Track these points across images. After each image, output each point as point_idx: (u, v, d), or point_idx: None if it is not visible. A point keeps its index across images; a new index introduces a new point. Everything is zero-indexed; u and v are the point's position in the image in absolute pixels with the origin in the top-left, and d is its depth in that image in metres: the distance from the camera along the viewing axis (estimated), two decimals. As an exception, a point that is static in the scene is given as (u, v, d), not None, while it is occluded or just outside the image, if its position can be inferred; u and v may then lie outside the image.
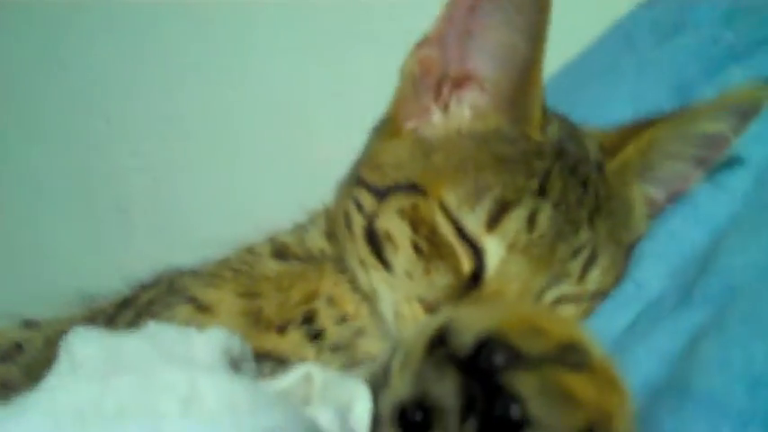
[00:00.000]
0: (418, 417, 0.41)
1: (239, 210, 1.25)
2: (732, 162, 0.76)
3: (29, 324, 0.77)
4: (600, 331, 0.66)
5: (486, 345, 0.40)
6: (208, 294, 0.71)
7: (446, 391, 0.40)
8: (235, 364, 0.55)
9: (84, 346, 0.43)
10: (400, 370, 0.44)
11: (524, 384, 0.38)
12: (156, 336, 0.52)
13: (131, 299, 0.76)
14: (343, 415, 0.48)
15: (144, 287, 0.78)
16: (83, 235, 1.35)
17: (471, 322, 0.42)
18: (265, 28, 1.29)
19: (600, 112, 0.89)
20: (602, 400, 0.40)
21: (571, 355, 0.41)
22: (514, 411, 0.38)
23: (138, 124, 1.34)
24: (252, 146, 1.31)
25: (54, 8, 1.30)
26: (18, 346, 0.77)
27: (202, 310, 0.69)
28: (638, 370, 0.56)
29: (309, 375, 0.50)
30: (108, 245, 1.34)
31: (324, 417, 0.46)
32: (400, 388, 0.43)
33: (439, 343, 0.42)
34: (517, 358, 0.39)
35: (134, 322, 0.69)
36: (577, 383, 0.39)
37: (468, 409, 0.39)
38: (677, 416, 0.49)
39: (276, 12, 1.28)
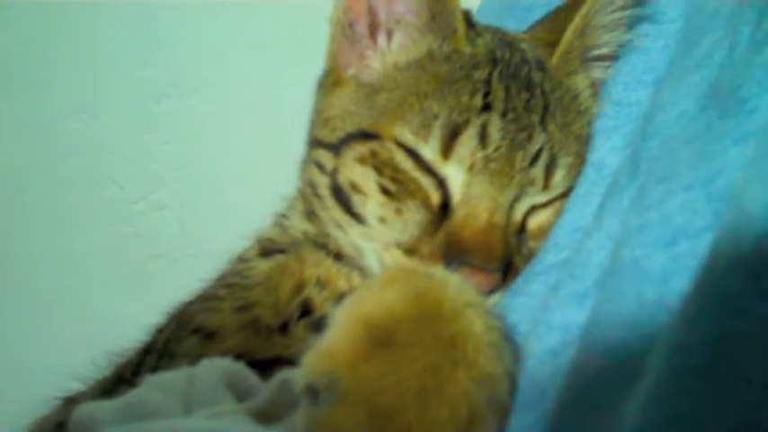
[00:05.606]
0: None
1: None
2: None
3: (70, 402, 0.76)
4: (571, 226, 0.66)
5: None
6: (209, 320, 0.72)
7: None
8: (234, 385, 0.60)
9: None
10: None
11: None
12: (158, 383, 0.58)
13: (151, 344, 0.77)
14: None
15: (160, 330, 0.79)
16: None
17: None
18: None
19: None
20: None
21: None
22: None
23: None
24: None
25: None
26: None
27: (208, 337, 0.71)
28: (591, 262, 0.54)
29: (286, 381, 0.53)
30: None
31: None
32: None
33: None
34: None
35: (157, 365, 0.71)
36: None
37: None
38: (608, 291, 0.49)
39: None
